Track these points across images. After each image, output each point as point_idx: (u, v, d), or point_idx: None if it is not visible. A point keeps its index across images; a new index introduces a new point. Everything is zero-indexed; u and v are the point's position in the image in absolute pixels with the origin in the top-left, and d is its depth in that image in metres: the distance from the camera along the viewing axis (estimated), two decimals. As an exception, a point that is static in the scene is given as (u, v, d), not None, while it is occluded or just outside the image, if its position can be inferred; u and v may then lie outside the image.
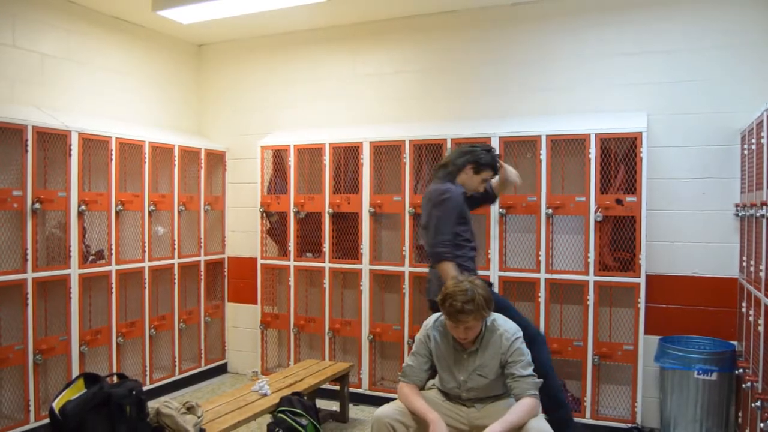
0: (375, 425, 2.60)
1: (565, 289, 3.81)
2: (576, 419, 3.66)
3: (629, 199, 3.58)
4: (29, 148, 3.44)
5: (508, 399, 2.67)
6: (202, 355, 4.85)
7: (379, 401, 3.49)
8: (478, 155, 3.25)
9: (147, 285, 4.28)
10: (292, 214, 4.51)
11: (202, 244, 4.82)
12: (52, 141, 3.64)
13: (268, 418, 3.28)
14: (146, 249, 4.28)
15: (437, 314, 2.75)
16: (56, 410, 2.54)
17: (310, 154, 4.52)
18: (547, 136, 3.74)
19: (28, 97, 3.87)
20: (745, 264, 3.30)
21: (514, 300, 3.89)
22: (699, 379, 3.39)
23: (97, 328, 3.94)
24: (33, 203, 3.46)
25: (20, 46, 3.84)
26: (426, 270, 4.09)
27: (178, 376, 4.58)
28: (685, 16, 3.77)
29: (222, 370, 5.11)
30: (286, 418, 3.16)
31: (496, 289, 3.86)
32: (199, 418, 2.83)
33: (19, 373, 3.48)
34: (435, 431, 2.47)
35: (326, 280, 4.41)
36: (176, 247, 4.54)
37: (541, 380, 2.59)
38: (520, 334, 2.67)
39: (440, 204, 3.12)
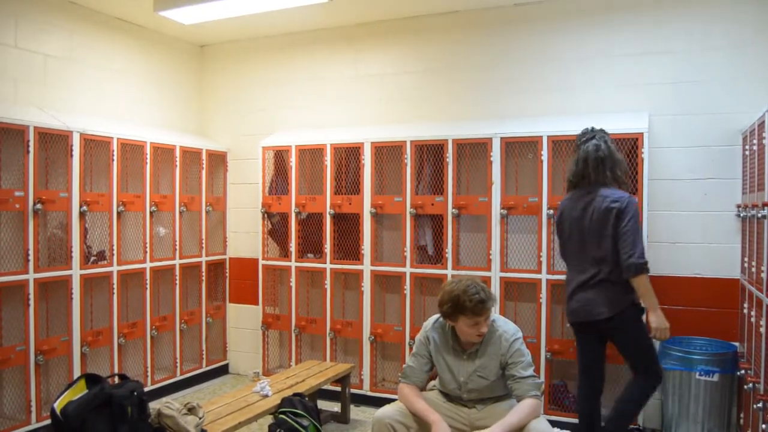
0: (376, 426, 2.60)
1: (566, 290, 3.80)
2: (577, 420, 3.66)
3: (631, 199, 3.57)
4: (31, 149, 3.44)
5: (510, 400, 2.68)
6: (204, 356, 4.85)
7: (380, 402, 3.49)
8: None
9: (148, 286, 4.29)
10: (293, 215, 4.51)
11: (204, 245, 4.82)
12: (54, 141, 3.65)
13: (269, 419, 3.28)
14: (148, 250, 4.28)
15: (436, 315, 2.75)
16: (58, 411, 2.55)
17: (311, 155, 4.52)
18: (548, 136, 3.73)
19: (30, 98, 3.88)
20: (746, 265, 3.29)
21: (515, 300, 3.89)
22: (700, 381, 3.38)
23: (99, 328, 3.95)
24: (34, 204, 3.47)
25: (22, 46, 3.85)
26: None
27: (179, 377, 4.58)
28: (686, 17, 3.77)
29: (223, 371, 5.11)
30: (288, 419, 3.16)
31: (497, 289, 3.86)
32: (200, 419, 2.83)
33: (21, 373, 3.49)
34: (437, 432, 2.47)
35: (327, 281, 4.41)
36: (177, 247, 4.54)
37: (542, 380, 2.59)
38: (520, 335, 2.67)
39: (636, 214, 2.96)
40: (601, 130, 3.14)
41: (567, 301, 3.18)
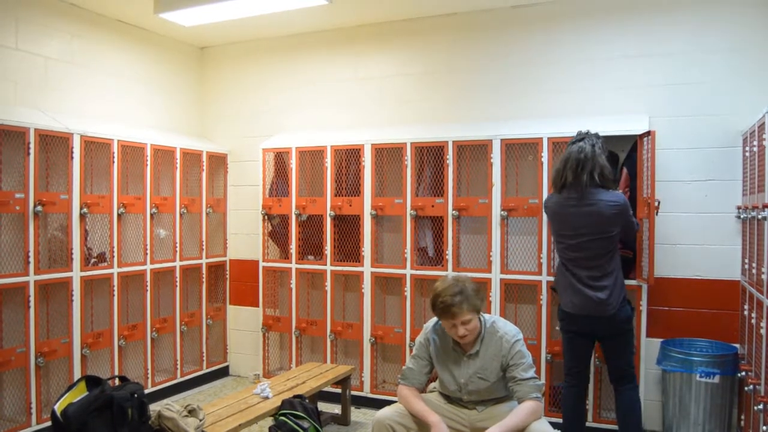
0: (375, 427, 2.60)
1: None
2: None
3: (631, 201, 3.57)
4: (31, 151, 3.45)
5: (511, 401, 2.67)
6: (204, 358, 4.85)
7: (380, 404, 3.49)
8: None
9: (149, 288, 4.29)
10: (293, 217, 4.51)
11: (204, 247, 4.82)
12: (55, 143, 3.65)
13: (269, 421, 3.27)
14: (148, 251, 4.28)
15: (436, 317, 2.75)
16: (58, 413, 2.55)
17: (311, 157, 4.52)
18: (548, 138, 3.74)
19: (31, 100, 3.88)
20: (747, 266, 3.29)
21: (515, 302, 3.89)
22: (701, 382, 3.38)
23: (99, 330, 3.95)
24: (35, 206, 3.47)
25: (23, 49, 3.85)
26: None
27: (179, 379, 4.58)
28: (686, 19, 3.77)
29: (224, 372, 5.11)
30: (288, 420, 3.16)
31: (497, 291, 3.86)
32: (200, 421, 2.83)
33: (21, 375, 3.49)
34: (437, 434, 2.47)
35: (328, 283, 4.41)
36: (178, 249, 4.54)
37: (543, 382, 2.59)
38: (520, 336, 2.66)
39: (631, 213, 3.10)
40: (595, 135, 3.13)
41: (568, 297, 3.16)
